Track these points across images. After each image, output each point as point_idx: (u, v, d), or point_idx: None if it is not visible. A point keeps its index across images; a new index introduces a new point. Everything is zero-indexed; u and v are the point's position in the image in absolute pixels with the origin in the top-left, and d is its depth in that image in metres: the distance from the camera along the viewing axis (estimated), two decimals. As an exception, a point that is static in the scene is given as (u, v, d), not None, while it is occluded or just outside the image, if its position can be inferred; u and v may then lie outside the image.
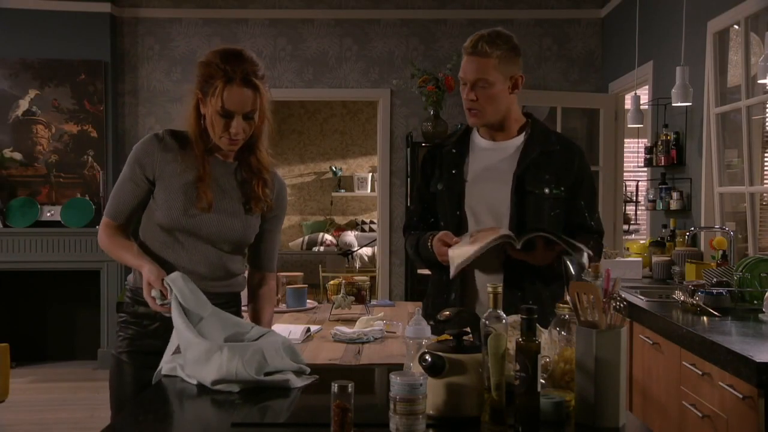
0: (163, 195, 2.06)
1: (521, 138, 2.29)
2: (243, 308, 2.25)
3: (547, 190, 2.22)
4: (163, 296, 1.97)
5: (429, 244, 2.21)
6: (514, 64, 2.22)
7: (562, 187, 2.24)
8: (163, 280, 1.97)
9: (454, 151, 2.32)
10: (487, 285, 1.59)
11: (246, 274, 2.27)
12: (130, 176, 2.09)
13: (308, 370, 1.95)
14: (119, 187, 2.12)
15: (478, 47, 2.19)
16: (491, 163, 2.27)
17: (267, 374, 1.85)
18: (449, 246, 2.14)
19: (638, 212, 7.19)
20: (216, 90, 1.98)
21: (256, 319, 2.23)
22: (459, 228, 2.24)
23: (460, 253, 2.10)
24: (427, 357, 1.54)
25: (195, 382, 1.85)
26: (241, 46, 2.10)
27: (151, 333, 2.08)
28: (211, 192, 2.06)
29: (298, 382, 1.86)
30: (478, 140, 2.33)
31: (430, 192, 2.34)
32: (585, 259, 2.02)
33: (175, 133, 2.11)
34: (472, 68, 2.20)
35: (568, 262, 1.99)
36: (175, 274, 1.98)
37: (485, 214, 2.24)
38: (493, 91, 2.20)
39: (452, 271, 2.11)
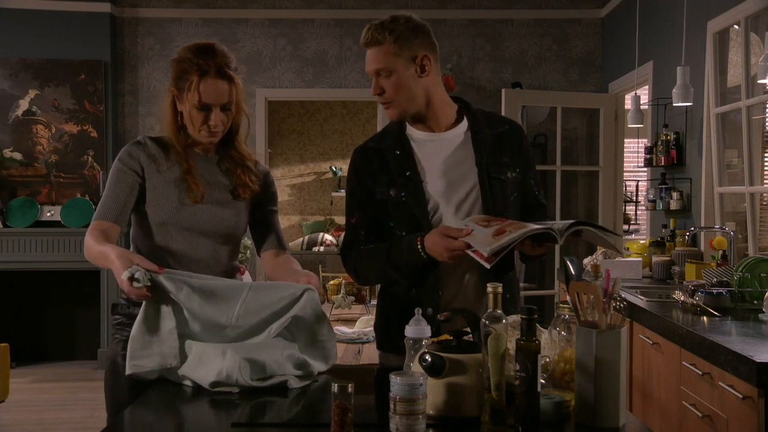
0: (153, 193, 2.08)
1: (464, 124, 2.13)
2: None
3: (508, 174, 2.10)
4: (138, 278, 1.79)
5: (419, 246, 1.94)
6: (415, 44, 2.06)
7: (517, 168, 2.12)
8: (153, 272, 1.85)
9: (398, 152, 2.09)
10: (487, 285, 1.58)
11: (243, 271, 2.27)
12: (119, 174, 2.08)
13: (314, 373, 1.91)
14: (107, 191, 2.09)
15: (369, 37, 2.07)
16: (444, 156, 2.09)
17: (265, 379, 1.84)
18: (454, 239, 1.87)
19: (638, 212, 7.18)
20: (191, 84, 2.01)
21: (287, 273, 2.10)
22: (429, 232, 1.99)
23: (491, 240, 1.79)
24: (427, 357, 1.53)
25: (190, 384, 1.85)
26: (214, 41, 2.14)
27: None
28: (201, 183, 2.08)
29: (297, 383, 1.86)
30: (417, 134, 2.12)
31: (377, 200, 2.08)
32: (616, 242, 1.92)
33: (154, 138, 2.16)
34: (369, 59, 2.09)
35: (568, 262, 1.98)
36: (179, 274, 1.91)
37: (454, 210, 2.06)
38: (397, 78, 2.05)
39: (489, 261, 1.79)
